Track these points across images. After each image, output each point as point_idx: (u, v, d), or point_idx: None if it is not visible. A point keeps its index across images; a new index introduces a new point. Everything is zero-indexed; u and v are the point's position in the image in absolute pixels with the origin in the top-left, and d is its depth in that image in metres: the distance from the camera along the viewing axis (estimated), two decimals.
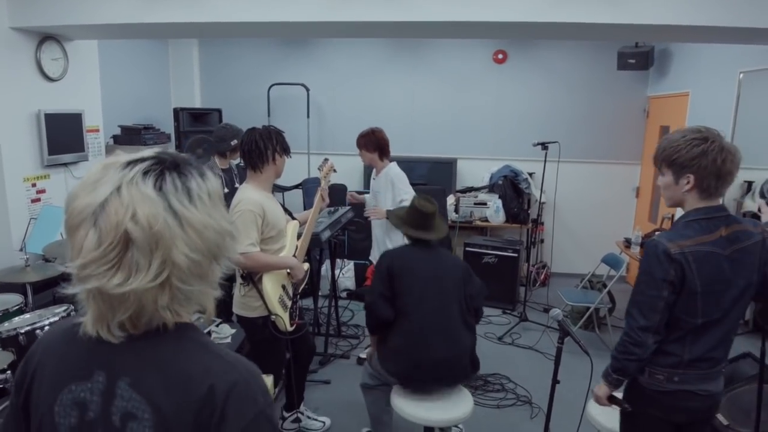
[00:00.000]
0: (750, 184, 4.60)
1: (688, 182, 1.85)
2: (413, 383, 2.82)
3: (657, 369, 1.96)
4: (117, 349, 0.87)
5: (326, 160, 3.27)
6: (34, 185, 4.01)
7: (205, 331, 2.92)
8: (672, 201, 1.97)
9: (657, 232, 4.81)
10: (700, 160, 1.80)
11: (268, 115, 6.51)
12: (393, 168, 4.05)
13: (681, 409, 1.97)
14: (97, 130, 4.69)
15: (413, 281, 2.79)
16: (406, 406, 2.78)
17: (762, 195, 4.60)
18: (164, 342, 0.89)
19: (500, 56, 6.37)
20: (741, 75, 4.36)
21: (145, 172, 0.84)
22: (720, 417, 2.91)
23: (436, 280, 2.83)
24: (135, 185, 0.83)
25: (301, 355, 3.13)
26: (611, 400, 2.08)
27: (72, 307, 2.86)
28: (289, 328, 2.85)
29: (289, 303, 2.88)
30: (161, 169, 0.86)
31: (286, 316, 2.81)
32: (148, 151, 0.89)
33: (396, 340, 2.78)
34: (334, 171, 3.30)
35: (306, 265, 3.02)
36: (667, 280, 1.83)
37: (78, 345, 0.90)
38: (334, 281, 4.63)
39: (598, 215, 6.55)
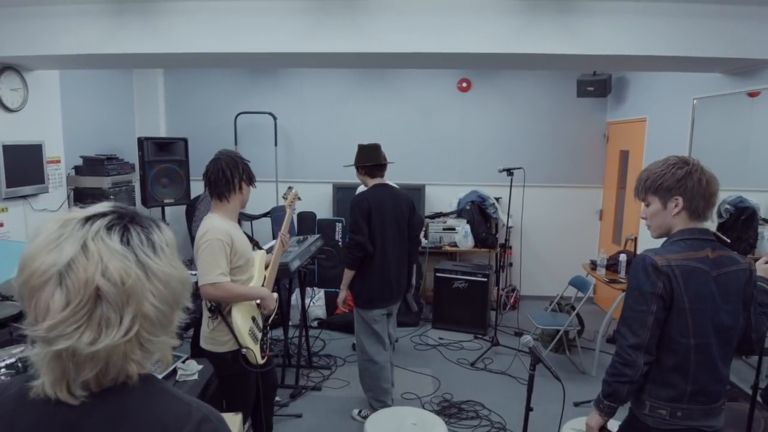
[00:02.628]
0: None
1: (676, 205, 1.87)
2: (382, 302, 3.64)
3: (659, 403, 1.88)
4: (79, 410, 0.83)
5: (290, 188, 3.25)
6: None
7: (168, 370, 2.83)
8: (661, 229, 1.96)
9: (621, 254, 4.92)
10: (686, 181, 1.85)
11: (235, 144, 6.46)
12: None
13: None
14: (58, 161, 4.58)
15: (383, 220, 3.57)
16: None
17: (720, 215, 4.76)
18: (131, 395, 0.87)
19: (464, 85, 6.50)
20: (695, 101, 4.54)
21: (109, 227, 0.84)
22: None
23: (395, 218, 3.64)
24: (101, 240, 0.82)
25: (264, 390, 3.05)
26: (602, 431, 1.99)
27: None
28: (261, 361, 2.79)
29: (259, 335, 2.82)
30: (124, 223, 0.86)
31: (257, 349, 2.75)
32: (104, 206, 0.89)
33: (372, 270, 3.57)
34: (299, 199, 3.28)
35: (275, 295, 2.97)
36: (655, 293, 1.81)
37: (32, 410, 0.85)
38: (304, 311, 4.56)
39: (563, 238, 6.67)
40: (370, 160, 3.69)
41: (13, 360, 2.41)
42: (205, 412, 0.91)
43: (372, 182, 3.71)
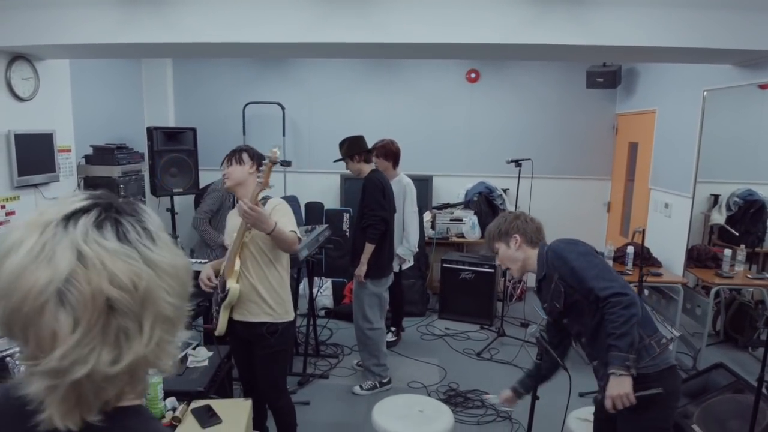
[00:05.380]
0: (716, 197, 4.75)
1: (516, 241, 2.36)
2: (390, 270, 4.13)
3: (656, 336, 2.10)
4: None
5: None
6: (2, 207, 3.91)
7: (179, 356, 2.87)
8: (518, 268, 2.40)
9: (629, 246, 4.91)
10: (517, 223, 2.40)
11: (244, 134, 6.48)
12: (406, 178, 4.68)
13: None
14: (69, 150, 4.62)
15: (389, 198, 3.97)
16: (386, 422, 2.78)
17: (728, 208, 4.75)
18: None
19: (473, 75, 6.48)
20: (705, 93, 4.51)
21: (98, 224, 0.70)
22: (695, 427, 2.97)
23: (393, 197, 4.08)
24: (95, 243, 0.68)
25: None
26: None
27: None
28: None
29: (218, 303, 2.86)
30: (112, 216, 0.72)
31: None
32: (78, 198, 0.74)
33: (385, 243, 3.95)
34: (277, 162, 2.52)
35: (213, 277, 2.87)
36: (590, 249, 2.19)
37: None
38: (312, 300, 4.60)
39: (571, 230, 6.56)
40: (365, 146, 4.01)
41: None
42: None
43: (368, 168, 3.98)
